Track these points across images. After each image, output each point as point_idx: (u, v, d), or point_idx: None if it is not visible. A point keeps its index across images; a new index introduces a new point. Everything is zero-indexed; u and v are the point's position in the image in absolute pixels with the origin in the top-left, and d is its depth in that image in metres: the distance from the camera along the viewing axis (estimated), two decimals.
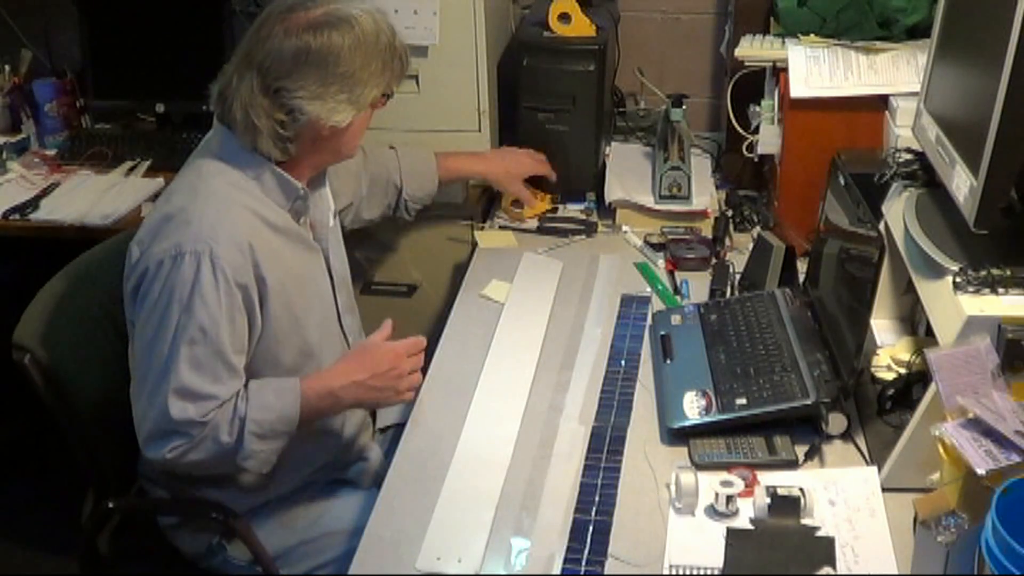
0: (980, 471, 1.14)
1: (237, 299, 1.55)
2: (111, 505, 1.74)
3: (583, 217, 2.28)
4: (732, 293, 1.96)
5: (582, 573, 1.34)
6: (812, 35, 2.10)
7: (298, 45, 1.55)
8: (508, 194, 2.25)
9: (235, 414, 1.54)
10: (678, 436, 1.58)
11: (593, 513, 1.44)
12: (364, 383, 1.59)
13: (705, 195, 2.29)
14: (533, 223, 2.27)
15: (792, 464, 1.50)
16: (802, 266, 1.92)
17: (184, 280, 1.51)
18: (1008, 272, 1.36)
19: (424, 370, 1.81)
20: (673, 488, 1.45)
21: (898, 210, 1.65)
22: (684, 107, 2.31)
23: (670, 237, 2.16)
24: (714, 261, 2.09)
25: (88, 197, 2.51)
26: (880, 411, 1.58)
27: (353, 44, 1.56)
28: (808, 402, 1.55)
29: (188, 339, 1.51)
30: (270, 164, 1.62)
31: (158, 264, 1.53)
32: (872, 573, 1.31)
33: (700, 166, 2.42)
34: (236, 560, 1.71)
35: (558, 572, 1.34)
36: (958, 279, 1.38)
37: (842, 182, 1.72)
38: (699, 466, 1.50)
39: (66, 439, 1.72)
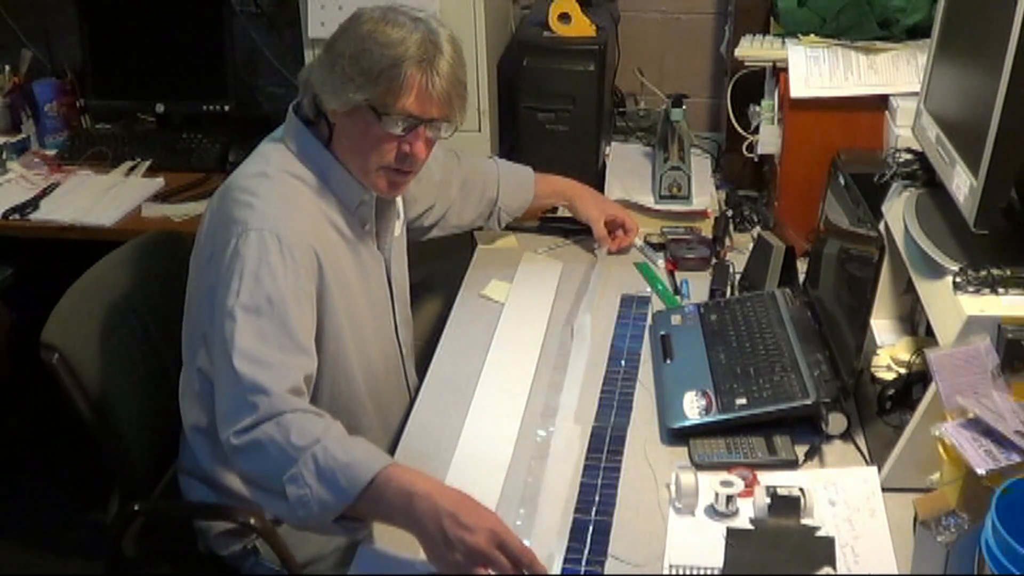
0: (980, 471, 1.14)
1: (303, 281, 1.52)
2: (136, 507, 1.72)
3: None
4: (732, 293, 1.96)
5: (582, 573, 1.34)
6: (812, 35, 2.11)
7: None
8: (587, 222, 2.15)
9: (315, 427, 1.37)
10: (678, 436, 1.58)
11: (593, 513, 1.44)
12: (441, 515, 1.27)
13: (705, 195, 2.29)
14: (533, 223, 2.26)
15: (792, 464, 1.50)
16: (802, 266, 1.92)
17: (251, 252, 1.48)
18: (1008, 272, 1.36)
19: (424, 370, 1.82)
20: (673, 488, 1.45)
21: (898, 210, 1.65)
22: (684, 107, 2.31)
23: (670, 237, 2.17)
24: (714, 261, 2.09)
25: (88, 197, 2.52)
26: (880, 411, 1.58)
27: (364, 35, 1.53)
28: (808, 402, 1.55)
29: (254, 309, 1.45)
30: (335, 162, 1.61)
31: (224, 243, 1.50)
32: (872, 573, 1.31)
33: (700, 166, 2.42)
34: (269, 564, 1.69)
35: (558, 572, 1.34)
36: (958, 279, 1.38)
37: (842, 182, 1.72)
38: (699, 466, 1.50)
39: (93, 439, 1.71)
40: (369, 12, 1.57)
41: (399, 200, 1.80)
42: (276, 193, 1.55)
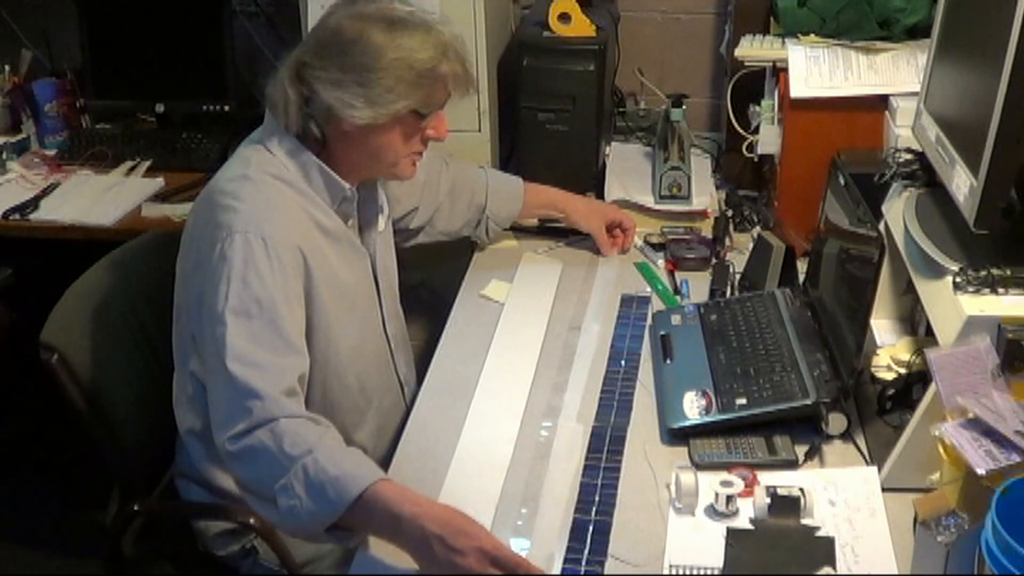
0: (980, 471, 1.14)
1: (291, 281, 1.52)
2: (136, 507, 1.72)
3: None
4: (732, 293, 1.96)
5: (582, 573, 1.34)
6: (812, 35, 2.10)
7: (334, 26, 1.55)
8: (586, 231, 2.15)
9: (309, 436, 1.38)
10: (678, 436, 1.58)
11: (593, 513, 1.44)
12: (429, 538, 1.27)
13: (705, 195, 2.29)
14: (533, 223, 2.26)
15: (792, 464, 1.50)
16: (802, 266, 1.92)
17: (237, 255, 1.48)
18: (1008, 272, 1.36)
19: (424, 370, 1.82)
20: (673, 488, 1.45)
21: (898, 210, 1.65)
22: (684, 107, 2.31)
23: (670, 237, 2.17)
24: (714, 261, 2.09)
25: (88, 197, 2.52)
26: (880, 411, 1.58)
27: (388, 45, 1.53)
28: (808, 402, 1.55)
29: (244, 312, 1.45)
30: (317, 161, 1.61)
31: (209, 248, 1.50)
32: (872, 573, 1.31)
33: (700, 166, 2.42)
34: (268, 564, 1.69)
35: (558, 572, 1.34)
36: (958, 279, 1.38)
37: (842, 182, 1.72)
38: (699, 466, 1.50)
39: (92, 440, 1.71)
40: (366, 24, 1.54)
41: (382, 194, 1.80)
42: (258, 195, 1.55)
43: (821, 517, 1.39)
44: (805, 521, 1.38)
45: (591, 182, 2.30)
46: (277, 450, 1.36)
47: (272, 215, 1.54)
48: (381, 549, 1.40)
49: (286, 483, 1.34)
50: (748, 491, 1.43)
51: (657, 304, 1.98)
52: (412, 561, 1.34)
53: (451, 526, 1.28)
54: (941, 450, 1.21)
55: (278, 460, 1.36)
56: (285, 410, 1.40)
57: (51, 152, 2.77)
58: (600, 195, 2.29)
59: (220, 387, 1.44)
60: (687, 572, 1.33)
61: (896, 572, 1.31)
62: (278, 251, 1.51)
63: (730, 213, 2.22)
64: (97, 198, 2.51)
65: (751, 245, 2.03)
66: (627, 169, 2.40)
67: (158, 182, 2.59)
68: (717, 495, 1.41)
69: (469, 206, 2.06)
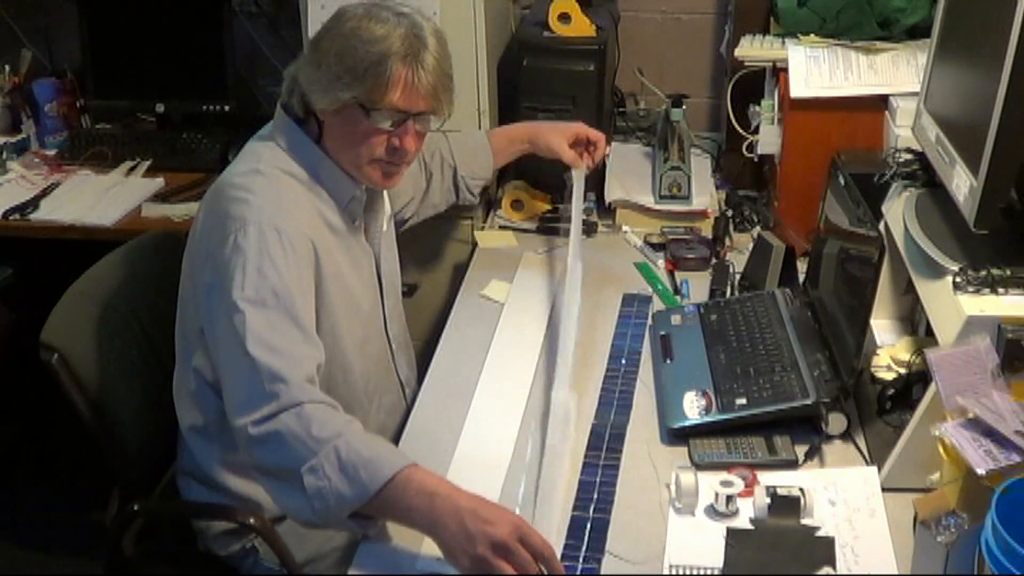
0: (980, 471, 1.14)
1: (304, 272, 1.52)
2: (136, 507, 1.72)
3: (583, 217, 2.27)
4: (732, 293, 1.96)
5: (579, 571, 1.34)
6: (812, 35, 2.11)
7: (338, 9, 1.58)
8: (554, 153, 2.07)
9: (336, 421, 1.38)
10: (678, 436, 1.58)
11: (591, 511, 1.44)
12: (462, 512, 1.28)
13: (705, 195, 2.29)
14: (533, 223, 2.27)
15: (792, 464, 1.50)
16: (802, 266, 1.92)
17: (251, 246, 1.47)
18: (1008, 272, 1.36)
19: (424, 371, 1.82)
20: (673, 488, 1.45)
21: (898, 210, 1.65)
22: (684, 107, 2.31)
23: (670, 237, 2.17)
24: (714, 261, 2.09)
25: (88, 197, 2.52)
26: (880, 411, 1.58)
27: (348, 32, 1.54)
28: (808, 402, 1.55)
29: (260, 302, 1.44)
30: (327, 159, 1.61)
31: (222, 240, 1.50)
32: (872, 573, 1.31)
33: (700, 166, 2.42)
34: (268, 564, 1.68)
35: None
36: (958, 279, 1.38)
37: (842, 182, 1.72)
38: (699, 466, 1.50)
39: (92, 440, 1.71)
40: (352, 9, 1.57)
41: (386, 195, 1.80)
42: (271, 188, 1.55)
43: (821, 517, 1.39)
44: (805, 521, 1.38)
45: (591, 182, 2.29)
46: (304, 434, 1.36)
47: (285, 208, 1.54)
48: (381, 550, 1.40)
49: (315, 464, 1.34)
50: (748, 491, 1.43)
51: (657, 304, 1.98)
52: (416, 560, 1.35)
53: (484, 503, 1.31)
54: (941, 450, 1.21)
55: (306, 444, 1.35)
56: (309, 395, 1.40)
57: (51, 152, 2.77)
58: (600, 195, 2.30)
59: (240, 372, 1.43)
60: (687, 572, 1.33)
61: (896, 572, 1.31)
62: (292, 242, 1.51)
63: (730, 213, 2.22)
64: (97, 198, 2.51)
65: (751, 245, 2.03)
66: (627, 169, 2.40)
67: (158, 182, 2.59)
68: (717, 495, 1.42)
69: (443, 174, 2.05)
